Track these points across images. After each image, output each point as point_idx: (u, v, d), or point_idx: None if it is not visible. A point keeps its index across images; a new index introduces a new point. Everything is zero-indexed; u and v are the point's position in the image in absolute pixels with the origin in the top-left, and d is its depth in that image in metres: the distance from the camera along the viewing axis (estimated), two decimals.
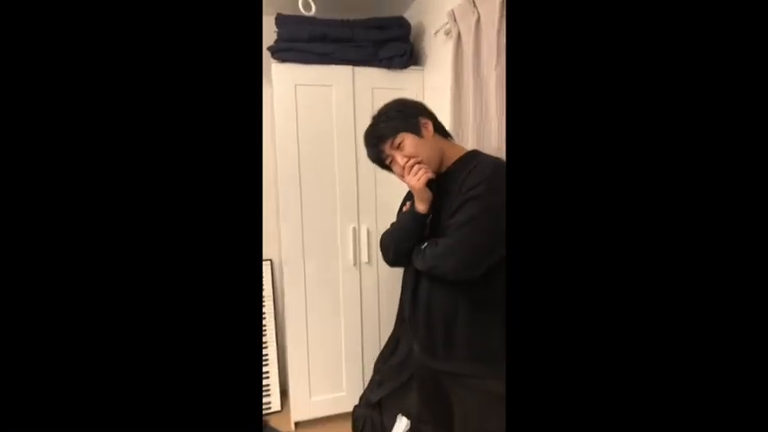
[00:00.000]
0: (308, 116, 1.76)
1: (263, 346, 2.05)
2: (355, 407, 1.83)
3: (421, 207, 1.03)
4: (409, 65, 1.86)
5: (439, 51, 1.77)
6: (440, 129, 1.09)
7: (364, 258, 1.86)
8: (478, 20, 1.32)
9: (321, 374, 1.87)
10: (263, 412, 2.00)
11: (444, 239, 0.96)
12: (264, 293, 2.08)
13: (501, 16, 1.22)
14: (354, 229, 1.85)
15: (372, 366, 1.85)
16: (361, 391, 1.87)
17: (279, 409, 2.02)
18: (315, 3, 1.55)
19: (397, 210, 1.23)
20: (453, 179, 1.01)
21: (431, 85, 1.85)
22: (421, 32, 1.92)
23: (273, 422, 1.90)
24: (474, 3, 1.35)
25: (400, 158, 1.04)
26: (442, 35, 1.67)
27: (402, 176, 1.05)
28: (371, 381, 1.84)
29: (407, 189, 1.10)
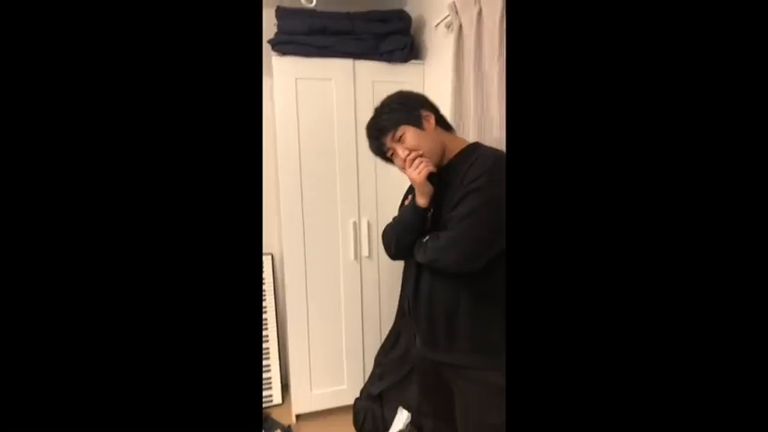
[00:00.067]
0: (309, 109, 1.75)
1: (264, 339, 2.06)
2: (356, 400, 1.84)
3: (422, 201, 1.03)
4: (410, 58, 1.85)
5: (440, 44, 1.76)
6: (442, 121, 1.09)
7: (365, 252, 1.87)
8: (480, 12, 1.32)
9: (322, 368, 1.88)
10: (265, 405, 2.01)
11: (446, 232, 0.96)
12: (265, 287, 2.08)
13: (503, 8, 1.21)
14: (355, 223, 1.85)
15: (373, 359, 1.86)
16: (362, 385, 1.88)
17: (280, 402, 2.03)
18: None
19: (397, 203, 1.23)
20: (455, 172, 1.01)
21: (431, 78, 1.84)
22: (421, 25, 1.91)
23: (275, 415, 1.91)
24: None
25: (401, 151, 1.03)
26: (442, 28, 1.67)
27: (403, 169, 1.05)
28: (372, 374, 1.85)
29: (409, 183, 1.10)
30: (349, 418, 1.83)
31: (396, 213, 1.18)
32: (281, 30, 1.72)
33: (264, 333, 2.06)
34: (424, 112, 1.05)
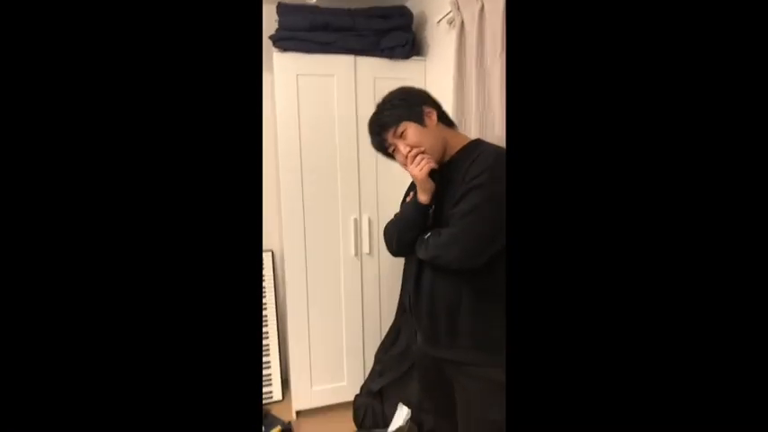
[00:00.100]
0: (310, 106, 1.75)
1: (264, 336, 2.06)
2: (356, 396, 1.85)
3: (423, 197, 1.03)
4: (411, 55, 1.84)
5: (441, 41, 1.75)
6: (444, 118, 1.09)
7: (366, 249, 1.87)
8: (482, 8, 1.31)
9: (322, 364, 1.88)
10: (265, 402, 2.01)
11: (447, 229, 0.96)
12: (265, 284, 2.09)
13: (505, 4, 1.20)
14: (356, 219, 1.85)
15: (373, 356, 1.86)
16: (362, 381, 1.89)
17: (280, 398, 2.03)
18: None
19: (398, 200, 1.23)
20: (456, 168, 1.01)
21: (433, 74, 1.84)
22: (423, 22, 1.91)
23: (275, 411, 1.91)
24: None
25: (403, 147, 1.03)
26: (444, 24, 1.66)
27: (405, 165, 1.05)
28: (372, 370, 1.85)
29: (410, 179, 1.10)
30: (349, 414, 1.84)
31: (397, 210, 1.18)
32: (282, 26, 1.72)
33: (264, 329, 2.06)
34: (426, 109, 1.04)
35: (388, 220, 1.19)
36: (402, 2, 1.97)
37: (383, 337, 1.85)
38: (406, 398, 1.74)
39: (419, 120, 1.03)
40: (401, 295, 1.80)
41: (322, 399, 1.91)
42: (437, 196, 1.04)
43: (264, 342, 2.06)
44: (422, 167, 0.99)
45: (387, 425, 1.72)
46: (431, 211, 1.06)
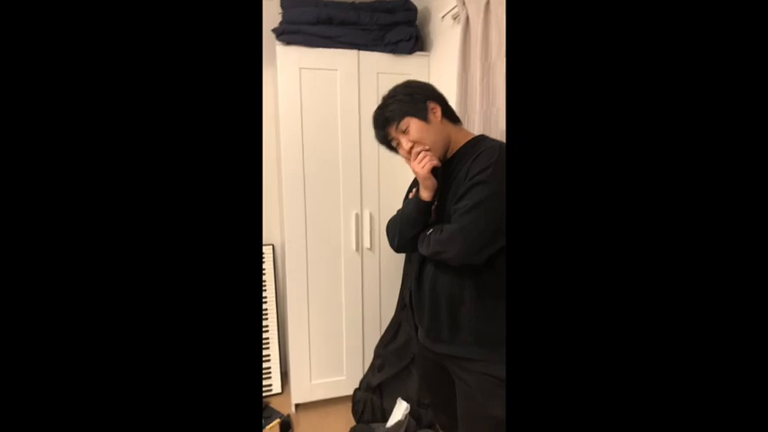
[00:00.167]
0: (313, 100, 1.75)
1: (264, 329, 2.07)
2: (355, 390, 1.86)
3: (425, 195, 1.03)
4: (415, 50, 1.84)
5: (445, 36, 1.75)
6: (449, 113, 1.08)
7: (366, 244, 1.87)
8: (488, 3, 1.30)
9: (321, 358, 1.89)
10: (264, 394, 2.02)
11: (449, 225, 0.96)
12: (266, 278, 2.09)
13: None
14: (357, 214, 1.85)
15: (373, 351, 1.87)
16: (361, 375, 1.90)
17: (279, 391, 2.04)
18: None
19: (400, 196, 1.23)
20: (460, 164, 1.01)
21: (436, 70, 1.84)
22: (427, 17, 1.90)
23: (274, 404, 1.92)
24: None
25: (405, 143, 1.03)
26: (449, 19, 1.65)
27: (408, 160, 1.05)
28: (372, 365, 1.86)
29: (412, 175, 1.10)
30: (348, 408, 1.85)
31: (398, 205, 1.18)
32: (286, 19, 1.71)
33: (265, 323, 2.07)
34: (431, 104, 1.04)
35: (390, 215, 1.20)
36: None
37: (383, 332, 1.85)
38: (405, 393, 1.75)
39: (423, 116, 1.02)
40: (401, 290, 1.81)
41: (321, 392, 1.91)
42: (440, 192, 1.04)
43: (264, 335, 2.07)
44: (424, 165, 0.99)
45: (385, 419, 1.73)
46: (433, 207, 1.06)
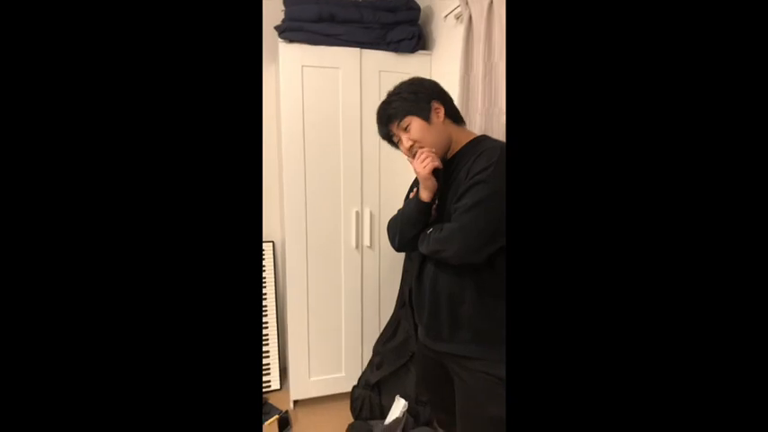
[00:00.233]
0: (314, 98, 1.75)
1: (264, 326, 2.07)
2: (354, 387, 1.86)
3: (425, 195, 1.04)
4: (417, 49, 1.84)
5: (448, 36, 1.75)
6: (452, 114, 1.08)
7: (366, 242, 1.87)
8: (491, 3, 1.31)
9: (321, 355, 1.90)
10: (263, 391, 2.03)
11: (449, 224, 0.97)
12: (266, 274, 2.09)
13: None
14: (357, 212, 1.85)
15: (372, 348, 1.87)
16: (360, 373, 1.90)
17: (278, 387, 2.05)
18: None
19: (400, 194, 1.23)
20: (461, 164, 1.01)
21: (438, 69, 1.84)
22: (430, 16, 1.90)
23: (272, 400, 1.93)
24: None
25: (405, 140, 1.04)
26: (451, 19, 1.65)
27: (409, 157, 1.05)
28: (370, 362, 1.87)
29: (413, 173, 1.10)
30: (346, 405, 1.86)
31: (399, 204, 1.19)
32: (288, 16, 1.71)
33: (264, 319, 2.07)
34: (435, 104, 1.04)
35: (390, 213, 1.20)
36: None
37: (382, 330, 1.86)
38: (403, 390, 1.75)
39: (425, 115, 1.03)
40: (401, 288, 1.82)
41: (320, 389, 1.92)
42: (440, 192, 1.04)
43: (264, 332, 2.07)
44: (425, 165, 1.00)
45: (384, 416, 1.74)
46: (434, 206, 1.06)
